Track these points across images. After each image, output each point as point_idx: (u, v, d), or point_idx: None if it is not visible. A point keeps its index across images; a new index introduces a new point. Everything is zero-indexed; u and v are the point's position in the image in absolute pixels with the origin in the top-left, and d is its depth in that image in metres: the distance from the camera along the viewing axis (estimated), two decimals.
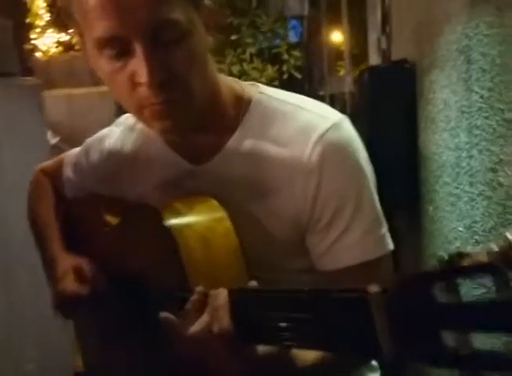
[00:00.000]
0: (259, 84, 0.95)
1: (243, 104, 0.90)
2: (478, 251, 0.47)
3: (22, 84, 2.26)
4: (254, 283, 0.75)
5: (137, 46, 0.77)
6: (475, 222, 1.45)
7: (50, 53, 5.17)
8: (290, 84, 4.73)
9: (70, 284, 0.95)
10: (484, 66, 1.34)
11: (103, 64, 0.81)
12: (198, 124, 0.89)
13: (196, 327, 0.73)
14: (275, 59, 4.70)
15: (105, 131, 1.09)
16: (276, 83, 4.57)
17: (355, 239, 0.85)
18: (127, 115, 1.04)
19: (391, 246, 0.88)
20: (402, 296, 0.52)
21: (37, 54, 5.13)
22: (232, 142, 0.90)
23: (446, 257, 0.48)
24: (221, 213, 0.85)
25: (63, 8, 0.84)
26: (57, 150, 4.64)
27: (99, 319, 1.01)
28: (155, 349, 0.88)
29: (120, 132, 1.04)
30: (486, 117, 1.32)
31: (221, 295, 0.72)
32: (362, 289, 0.55)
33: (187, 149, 0.93)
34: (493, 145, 1.29)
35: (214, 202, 0.86)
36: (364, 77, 2.14)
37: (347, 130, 0.87)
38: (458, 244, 1.64)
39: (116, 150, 1.03)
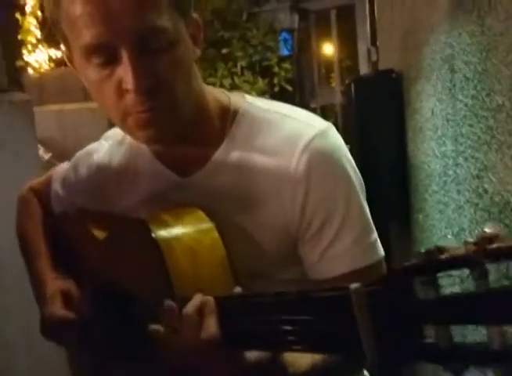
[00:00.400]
0: (245, 95, 0.96)
1: (229, 115, 0.90)
2: (457, 246, 0.48)
3: (13, 101, 2.26)
4: (238, 289, 0.75)
5: (123, 53, 0.78)
6: (463, 229, 1.46)
7: (42, 70, 5.18)
8: (281, 97, 4.75)
9: (57, 309, 0.94)
10: (467, 74, 1.35)
11: (91, 73, 0.82)
12: (183, 134, 0.89)
13: (183, 336, 0.73)
14: (265, 72, 4.72)
15: (93, 145, 1.09)
16: (267, 96, 4.58)
17: (346, 247, 0.85)
18: (115, 129, 1.04)
19: (381, 253, 0.88)
20: (382, 291, 0.52)
21: (29, 70, 5.13)
22: (219, 154, 0.89)
23: (425, 251, 0.49)
24: (208, 224, 0.85)
25: (51, 18, 0.85)
26: (50, 166, 4.64)
27: (87, 343, 1.01)
28: (146, 362, 0.87)
29: (108, 146, 1.04)
30: (471, 125, 1.33)
31: (208, 303, 0.72)
32: (344, 286, 0.56)
33: (175, 161, 0.93)
34: (478, 152, 1.29)
35: (201, 213, 0.86)
36: (351, 88, 2.16)
37: (334, 138, 0.87)
38: None
39: (104, 163, 1.03)
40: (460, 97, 1.41)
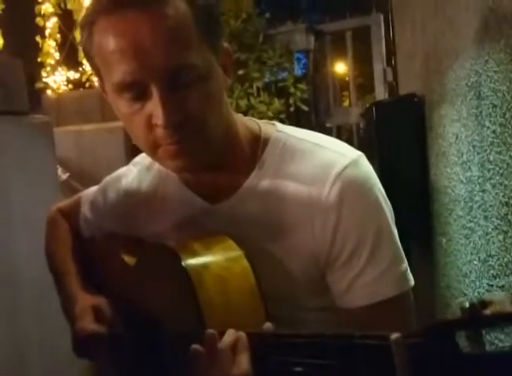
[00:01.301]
0: (276, 123, 0.97)
1: (260, 143, 0.92)
2: (501, 297, 0.47)
3: (33, 122, 2.30)
4: (269, 325, 0.75)
5: (154, 90, 0.79)
6: (491, 256, 1.45)
7: (60, 91, 5.25)
8: (296, 117, 4.77)
9: (88, 324, 0.94)
10: (494, 101, 1.35)
11: (122, 106, 0.84)
12: (214, 163, 0.90)
13: (215, 371, 0.72)
14: (281, 92, 4.75)
15: (122, 170, 1.10)
16: (283, 116, 4.60)
17: (375, 276, 0.85)
18: (144, 154, 1.06)
19: (411, 282, 0.88)
20: (423, 344, 0.52)
21: (48, 92, 5.20)
22: (249, 182, 0.90)
23: (468, 305, 0.48)
24: (237, 252, 0.85)
25: (84, 50, 0.87)
26: (68, 186, 4.68)
27: (116, 360, 1.01)
28: None
29: (137, 171, 1.06)
30: (499, 152, 1.33)
31: (241, 339, 0.72)
32: (384, 335, 0.55)
33: (204, 188, 0.94)
34: (507, 179, 1.29)
35: (231, 242, 0.86)
36: (372, 112, 2.17)
37: (365, 167, 0.88)
38: (473, 277, 1.64)
39: (133, 189, 1.05)
40: (487, 124, 1.41)
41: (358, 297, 0.86)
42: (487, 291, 1.50)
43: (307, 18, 5.08)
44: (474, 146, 1.56)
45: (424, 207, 2.15)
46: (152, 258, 0.94)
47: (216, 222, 0.91)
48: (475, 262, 1.60)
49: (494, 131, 1.36)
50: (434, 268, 2.19)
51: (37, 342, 1.99)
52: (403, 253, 0.89)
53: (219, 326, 0.76)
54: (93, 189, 1.16)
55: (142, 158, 1.06)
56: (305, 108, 4.73)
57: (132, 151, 4.59)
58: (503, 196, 1.32)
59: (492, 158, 1.39)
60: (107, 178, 1.13)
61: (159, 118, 0.80)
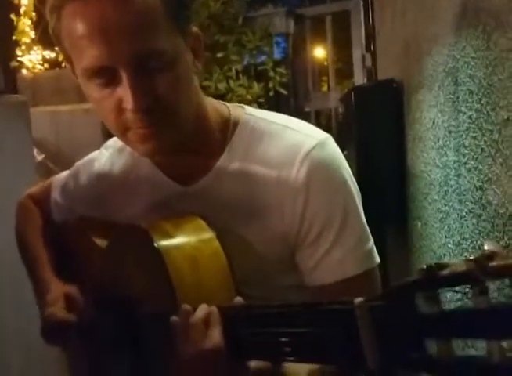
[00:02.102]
0: (245, 106, 0.97)
1: (230, 126, 0.93)
2: (457, 262, 0.50)
3: (9, 102, 2.27)
4: (239, 299, 0.77)
5: (123, 74, 0.80)
6: (464, 239, 1.48)
7: (36, 70, 5.16)
8: (276, 101, 4.78)
9: (59, 311, 0.95)
10: (471, 87, 1.37)
11: (92, 91, 0.84)
12: (184, 144, 0.91)
13: (187, 344, 0.75)
14: (260, 76, 4.74)
15: (94, 154, 1.10)
16: (263, 100, 4.61)
17: (343, 254, 0.87)
18: (116, 138, 1.06)
19: (376, 260, 0.91)
20: (384, 306, 0.55)
21: (23, 71, 5.11)
22: (219, 164, 0.92)
23: (425, 267, 0.51)
24: (209, 233, 0.86)
25: (54, 35, 0.86)
26: (43, 167, 4.63)
27: (86, 348, 1.01)
28: (145, 373, 0.88)
29: (109, 155, 1.05)
30: (474, 138, 1.36)
31: (213, 313, 0.75)
32: (348, 301, 0.58)
33: (176, 170, 0.95)
34: (481, 164, 1.32)
35: (202, 222, 0.88)
36: (351, 97, 2.18)
37: (332, 148, 0.90)
38: (447, 259, 1.68)
39: (105, 172, 1.05)
40: (464, 109, 1.44)
41: (326, 274, 0.88)
42: None
43: (286, 1, 5.05)
44: (450, 132, 1.59)
45: (400, 192, 2.19)
46: (123, 239, 0.94)
47: (188, 204, 0.92)
48: (449, 245, 1.63)
49: (470, 117, 1.39)
50: (409, 251, 2.23)
51: (14, 330, 1.98)
52: (369, 232, 0.91)
53: (192, 305, 0.77)
54: (64, 173, 1.16)
55: (114, 142, 1.06)
56: (284, 92, 4.74)
57: (109, 132, 4.56)
58: (478, 180, 1.35)
59: (467, 143, 1.42)
60: (79, 163, 1.12)
61: (128, 103, 0.80)
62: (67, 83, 5.10)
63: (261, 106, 4.69)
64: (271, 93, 4.72)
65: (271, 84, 4.72)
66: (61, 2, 0.81)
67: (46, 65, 5.21)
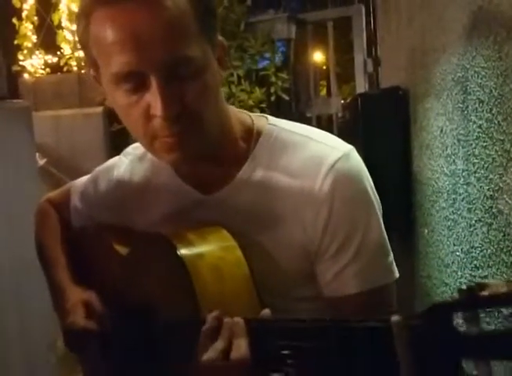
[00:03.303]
0: (268, 116, 0.98)
1: (253, 136, 0.93)
2: (497, 282, 0.50)
3: (12, 107, 2.27)
4: (267, 312, 0.77)
5: (153, 81, 0.80)
6: (474, 247, 1.48)
7: (37, 75, 5.16)
8: (277, 106, 4.78)
9: (79, 319, 0.95)
10: (481, 97, 1.38)
11: (119, 98, 0.84)
12: (208, 155, 0.91)
13: (211, 354, 0.74)
14: (262, 81, 4.75)
15: (113, 160, 1.10)
16: (264, 105, 4.61)
17: (362, 267, 0.87)
18: (135, 145, 1.06)
19: (395, 275, 0.91)
20: (423, 325, 0.54)
21: (25, 75, 5.12)
22: (242, 173, 0.92)
23: (465, 288, 0.51)
24: (231, 243, 0.87)
25: (80, 41, 0.87)
26: (45, 171, 4.62)
27: (108, 354, 1.01)
28: None
29: (129, 162, 1.06)
30: (485, 147, 1.36)
31: (239, 324, 0.74)
32: (384, 318, 0.58)
33: (197, 179, 0.95)
34: (492, 173, 1.32)
35: (225, 232, 0.88)
36: (357, 103, 2.19)
37: (356, 160, 0.90)
38: (455, 267, 1.68)
39: (125, 179, 1.05)
40: (473, 119, 1.44)
41: (344, 287, 0.88)
42: (469, 281, 1.54)
43: (288, 6, 5.06)
44: (459, 140, 1.59)
45: (406, 199, 2.19)
46: (146, 247, 0.94)
47: (209, 213, 0.92)
48: (458, 253, 1.64)
49: (480, 126, 1.39)
50: (414, 258, 2.23)
51: (17, 330, 1.98)
52: (389, 245, 0.91)
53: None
54: (83, 179, 1.16)
55: (134, 149, 1.06)
56: (286, 97, 4.74)
57: (111, 137, 4.52)
58: (488, 189, 1.35)
59: (477, 152, 1.43)
60: (98, 169, 1.13)
61: (157, 109, 0.80)
62: (69, 87, 5.11)
63: (263, 111, 4.69)
64: (272, 98, 4.71)
65: (272, 90, 4.71)
66: (90, 9, 0.82)
67: (48, 70, 5.20)
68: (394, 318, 0.57)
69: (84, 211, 1.12)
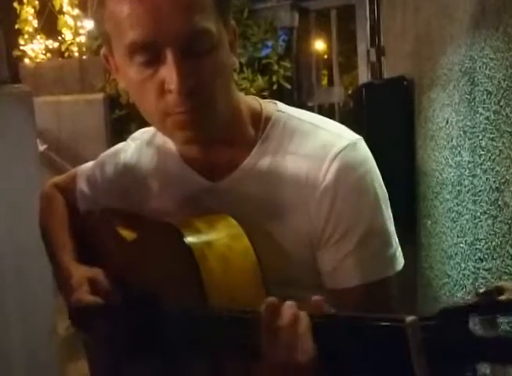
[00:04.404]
0: (277, 102, 0.97)
1: (261, 122, 0.92)
2: None
3: (13, 92, 2.26)
4: (272, 299, 0.72)
5: (168, 54, 0.79)
6: (478, 239, 1.48)
7: (38, 60, 5.13)
8: (279, 95, 4.76)
9: (84, 295, 0.94)
10: (489, 88, 1.37)
11: (132, 72, 0.83)
12: (216, 139, 0.90)
13: (276, 348, 0.68)
14: (264, 69, 4.72)
15: (120, 145, 1.10)
16: (266, 93, 4.59)
17: (364, 258, 0.86)
18: (143, 130, 1.05)
19: (398, 267, 0.90)
20: (438, 327, 0.54)
21: (26, 60, 5.09)
22: (249, 160, 0.91)
23: (483, 291, 0.50)
24: (239, 231, 0.86)
25: (94, 17, 0.86)
26: (45, 157, 4.61)
27: (112, 335, 1.01)
28: (169, 372, 0.88)
29: (136, 147, 1.05)
30: (492, 139, 1.35)
31: (304, 318, 0.69)
32: (399, 318, 0.57)
33: (204, 165, 0.94)
34: (499, 165, 1.32)
35: (232, 220, 0.87)
36: (362, 93, 2.18)
37: (363, 150, 0.90)
38: (458, 259, 1.68)
39: (131, 164, 1.04)
40: (480, 110, 1.43)
41: (345, 278, 0.87)
42: (472, 273, 1.54)
43: None
44: (465, 132, 1.58)
45: (409, 190, 2.19)
46: (153, 234, 0.94)
47: (216, 200, 0.91)
48: (461, 245, 1.63)
49: (487, 118, 1.38)
50: (417, 248, 2.23)
51: (16, 318, 1.98)
52: (395, 238, 0.90)
53: (220, 301, 0.77)
54: (90, 163, 1.15)
55: (142, 134, 1.05)
56: (288, 86, 4.72)
57: (112, 123, 4.50)
58: (494, 181, 1.35)
59: (483, 144, 1.42)
60: (105, 153, 1.12)
61: (172, 83, 0.79)
62: (70, 73, 5.08)
63: (264, 99, 4.67)
64: (274, 87, 4.69)
65: (274, 78, 4.69)
66: None
67: (49, 55, 5.18)
68: (409, 318, 0.56)
69: (91, 196, 1.12)
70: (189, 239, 0.83)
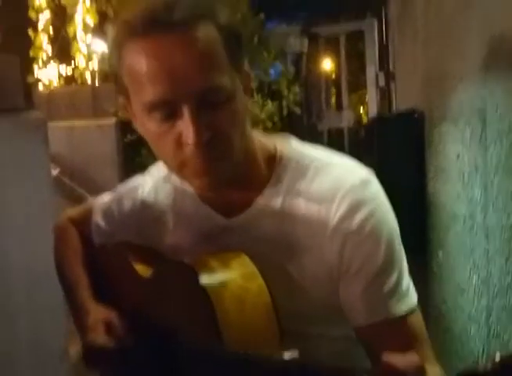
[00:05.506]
0: (291, 138, 0.99)
1: (275, 160, 0.94)
2: None
3: (28, 119, 2.30)
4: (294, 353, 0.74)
5: (185, 109, 0.82)
6: (491, 275, 1.49)
7: (52, 86, 5.22)
8: (289, 120, 4.81)
9: (99, 337, 0.95)
10: (501, 128, 1.39)
11: (150, 125, 0.86)
12: (233, 178, 0.92)
13: None
14: (274, 94, 4.78)
15: (137, 180, 1.12)
16: (276, 118, 4.64)
17: (379, 295, 0.87)
18: (159, 165, 1.07)
19: (413, 301, 0.90)
20: None
21: (40, 86, 5.17)
22: (262, 199, 0.93)
23: (498, 358, 0.50)
24: (253, 270, 0.87)
25: (112, 69, 0.89)
26: (58, 182, 4.66)
27: (125, 373, 1.02)
28: None
29: (153, 183, 1.07)
30: (504, 178, 1.37)
31: None
32: None
33: (219, 202, 0.96)
34: (511, 205, 1.33)
35: (246, 258, 0.88)
36: (373, 126, 2.21)
37: (373, 187, 0.91)
38: (471, 293, 1.68)
39: (149, 200, 1.06)
40: (492, 149, 1.45)
41: (363, 315, 0.88)
42: (486, 309, 1.55)
43: (301, 20, 5.09)
44: (476, 168, 1.60)
45: (421, 220, 2.20)
46: (169, 272, 0.95)
47: (230, 237, 0.93)
48: (474, 280, 1.64)
49: (499, 157, 1.40)
50: (428, 279, 2.24)
51: (27, 342, 2.00)
52: (407, 273, 0.91)
53: (235, 343, 0.78)
54: (105, 197, 1.16)
55: (158, 169, 1.07)
56: (298, 111, 4.78)
57: (123, 148, 4.53)
58: (507, 219, 1.36)
59: (495, 183, 1.44)
60: (121, 188, 1.14)
61: (189, 137, 0.82)
62: (82, 98, 5.16)
63: (274, 124, 4.72)
64: (284, 112, 4.75)
65: (284, 103, 4.74)
66: (124, 39, 0.83)
67: (62, 81, 5.26)
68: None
69: (107, 230, 1.13)
70: (204, 279, 0.84)
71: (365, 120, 4.99)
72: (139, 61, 0.82)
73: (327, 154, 0.96)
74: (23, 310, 2.00)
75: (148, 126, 0.86)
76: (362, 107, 5.89)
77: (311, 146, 0.98)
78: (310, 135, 4.88)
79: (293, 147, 0.97)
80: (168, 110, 0.83)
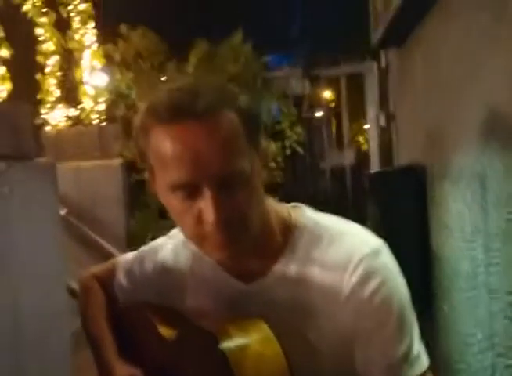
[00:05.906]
0: (304, 207, 1.05)
1: (290, 229, 1.01)
2: None
3: (38, 166, 2.38)
4: None
5: (206, 190, 0.88)
6: (496, 334, 1.53)
7: (59, 127, 5.32)
8: (292, 159, 4.89)
9: None
10: (500, 195, 1.45)
11: (173, 202, 0.92)
12: (250, 249, 0.98)
13: None
14: (277, 135, 4.88)
15: (159, 242, 1.17)
16: (280, 158, 4.73)
17: (390, 361, 0.93)
18: (179, 230, 1.14)
19: (424, 364, 0.94)
20: None
21: (47, 128, 5.28)
22: (278, 267, 0.99)
23: None
24: (270, 336, 0.92)
25: (139, 148, 0.95)
26: (65, 222, 4.72)
27: None
28: None
29: (173, 246, 1.13)
30: (505, 243, 1.43)
31: None
32: None
33: (237, 269, 1.02)
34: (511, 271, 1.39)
35: (264, 325, 0.94)
36: (375, 181, 2.28)
37: (384, 256, 0.97)
38: (476, 349, 1.72)
39: (169, 263, 1.12)
40: (492, 214, 1.51)
41: None
42: (491, 366, 1.59)
43: (302, 63, 5.23)
44: (477, 228, 1.65)
45: (424, 273, 2.26)
46: (190, 337, 1.00)
47: (249, 301, 0.99)
48: (479, 337, 1.68)
49: (499, 223, 1.46)
50: (434, 331, 2.27)
51: None
52: (418, 335, 0.96)
53: None
54: (128, 256, 1.22)
55: (179, 233, 1.11)
56: (301, 151, 4.87)
57: (130, 188, 4.60)
58: (509, 286, 1.41)
59: (496, 247, 1.49)
60: (144, 249, 1.19)
61: (209, 216, 0.88)
62: (89, 140, 5.26)
63: (277, 164, 4.80)
64: (287, 152, 4.84)
65: (287, 143, 4.84)
66: (152, 124, 0.90)
67: (69, 122, 5.37)
68: None
69: (129, 289, 1.18)
70: (225, 346, 0.90)
71: (366, 157, 5.08)
72: (165, 145, 0.88)
73: (340, 222, 1.02)
74: (31, 353, 2.03)
75: (171, 202, 0.92)
76: (363, 146, 5.99)
77: (323, 214, 1.04)
78: (312, 173, 4.96)
79: (307, 216, 1.03)
80: (190, 190, 0.89)
